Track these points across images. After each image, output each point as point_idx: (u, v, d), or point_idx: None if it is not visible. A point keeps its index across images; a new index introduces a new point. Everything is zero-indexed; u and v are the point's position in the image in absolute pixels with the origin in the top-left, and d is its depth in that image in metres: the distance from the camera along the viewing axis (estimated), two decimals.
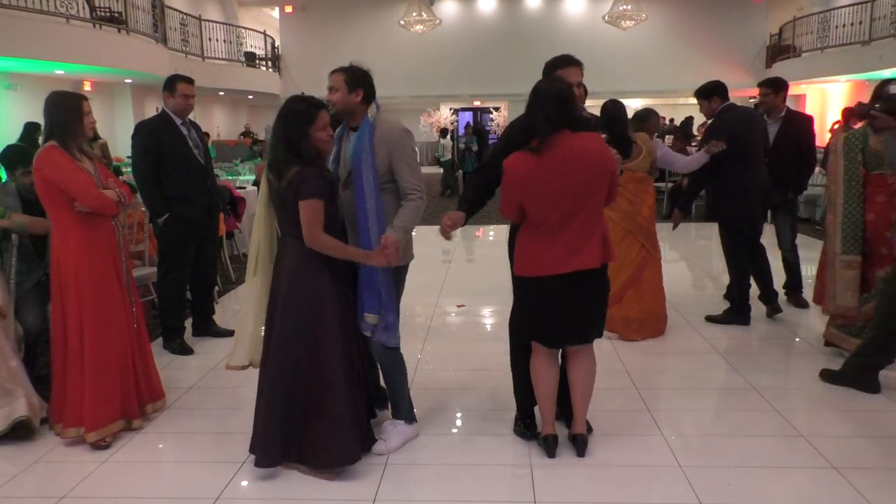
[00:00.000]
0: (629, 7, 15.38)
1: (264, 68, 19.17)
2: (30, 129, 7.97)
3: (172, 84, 4.46)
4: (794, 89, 6.15)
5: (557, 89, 2.81)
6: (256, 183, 8.64)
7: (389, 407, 3.28)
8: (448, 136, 16.20)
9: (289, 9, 19.51)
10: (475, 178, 3.50)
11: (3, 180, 4.90)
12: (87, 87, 13.30)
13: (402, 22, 16.05)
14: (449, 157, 15.28)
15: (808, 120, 5.43)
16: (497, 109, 22.17)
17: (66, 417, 3.24)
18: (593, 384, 3.11)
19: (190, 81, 4.53)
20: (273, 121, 2.92)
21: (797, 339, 4.79)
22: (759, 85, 5.40)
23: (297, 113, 2.82)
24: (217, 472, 2.97)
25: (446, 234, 3.12)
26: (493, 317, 5.54)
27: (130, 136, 4.60)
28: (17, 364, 3.37)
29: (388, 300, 2.99)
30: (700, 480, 2.86)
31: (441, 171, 15.46)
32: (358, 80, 2.95)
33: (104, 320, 3.24)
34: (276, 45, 19.91)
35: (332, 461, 2.89)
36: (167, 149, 4.41)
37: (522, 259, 2.96)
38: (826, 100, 17.52)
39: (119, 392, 3.29)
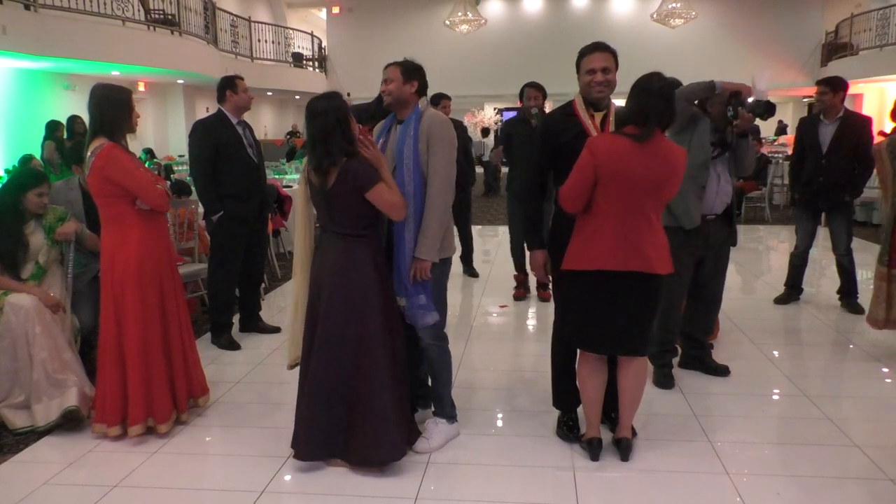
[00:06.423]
0: (678, 5, 15.07)
1: (311, 69, 19.42)
2: (52, 127, 8.15)
3: (233, 83, 4.58)
4: (851, 89, 5.97)
5: (663, 88, 2.85)
6: None
7: (432, 406, 3.29)
8: (490, 136, 16.06)
9: (336, 10, 19.71)
10: (528, 206, 3.22)
11: (59, 178, 5.06)
12: (141, 87, 13.68)
13: (447, 22, 16.06)
14: None
15: (867, 121, 5.27)
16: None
17: (111, 414, 3.21)
18: (643, 391, 3.06)
19: (242, 79, 4.67)
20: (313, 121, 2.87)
21: (851, 346, 4.64)
22: (817, 83, 5.26)
23: (346, 110, 2.84)
24: (262, 466, 3.02)
25: (547, 279, 3.15)
26: (535, 318, 5.50)
27: (186, 135, 4.70)
28: (72, 356, 3.45)
29: (412, 287, 2.96)
30: (748, 489, 2.79)
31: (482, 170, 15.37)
32: (413, 71, 3.01)
33: (164, 315, 3.29)
34: (322, 46, 20.15)
35: (379, 458, 2.90)
36: (223, 147, 4.50)
37: (575, 250, 2.89)
38: (885, 100, 16.87)
39: (171, 385, 3.34)
